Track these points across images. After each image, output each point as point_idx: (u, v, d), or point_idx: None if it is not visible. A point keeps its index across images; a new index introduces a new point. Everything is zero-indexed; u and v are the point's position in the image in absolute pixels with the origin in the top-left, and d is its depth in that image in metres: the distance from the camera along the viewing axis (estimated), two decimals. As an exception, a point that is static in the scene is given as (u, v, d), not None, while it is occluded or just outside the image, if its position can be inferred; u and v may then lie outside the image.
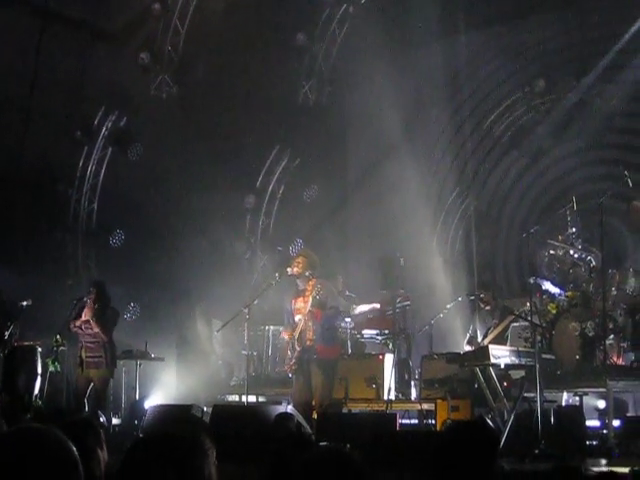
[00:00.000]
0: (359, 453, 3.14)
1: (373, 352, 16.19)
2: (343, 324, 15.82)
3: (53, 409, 14.16)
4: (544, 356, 11.95)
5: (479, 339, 14.35)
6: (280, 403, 13.27)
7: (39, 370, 14.49)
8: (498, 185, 20.13)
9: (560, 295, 13.85)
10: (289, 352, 12.80)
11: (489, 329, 14.31)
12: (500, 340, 13.70)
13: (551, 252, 14.21)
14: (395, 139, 19.46)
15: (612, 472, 4.55)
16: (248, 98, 19.38)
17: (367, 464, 3.11)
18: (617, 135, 18.64)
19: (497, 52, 19.46)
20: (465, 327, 15.24)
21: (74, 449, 2.96)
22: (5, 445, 2.90)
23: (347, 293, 16.70)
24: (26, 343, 14.93)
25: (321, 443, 7.85)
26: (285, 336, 12.87)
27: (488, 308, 14.58)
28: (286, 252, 19.90)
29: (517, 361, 11.74)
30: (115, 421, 14.95)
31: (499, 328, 14.06)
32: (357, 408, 13.99)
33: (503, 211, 20.05)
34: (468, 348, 14.29)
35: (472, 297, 15.44)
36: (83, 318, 13.61)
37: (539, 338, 13.15)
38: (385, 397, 14.04)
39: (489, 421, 11.33)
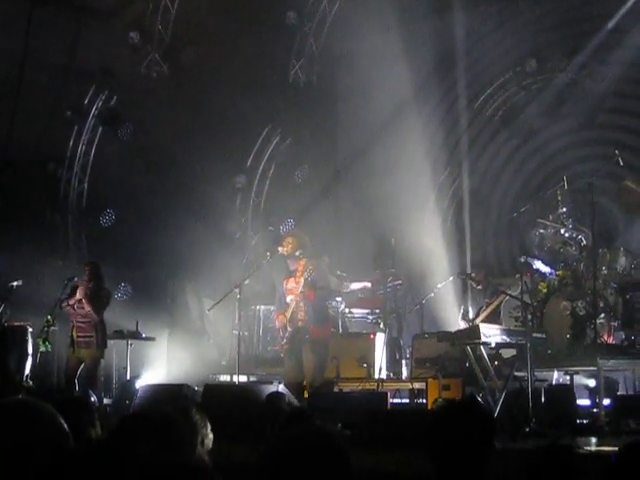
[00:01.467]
0: (350, 432, 3.14)
1: (364, 331, 16.21)
2: (334, 303, 15.83)
3: (44, 389, 14.17)
4: (535, 335, 11.96)
5: (471, 317, 14.40)
6: (271, 382, 13.26)
7: (30, 350, 14.46)
8: (489, 165, 20.12)
9: (551, 274, 13.88)
10: (281, 332, 12.82)
11: (481, 308, 14.34)
12: (492, 319, 13.73)
13: (542, 231, 14.22)
14: (386, 118, 19.47)
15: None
16: (238, 77, 19.31)
17: (352, 444, 3.10)
18: (608, 115, 18.64)
19: (488, 31, 19.42)
20: (457, 306, 15.26)
21: (64, 423, 2.97)
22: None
23: (338, 273, 16.70)
24: (17, 323, 14.90)
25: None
26: (279, 317, 12.88)
27: (480, 287, 14.60)
28: (277, 232, 19.89)
29: (508, 340, 11.74)
30: (106, 401, 14.94)
31: (491, 307, 14.09)
32: (348, 387, 13.99)
33: (494, 191, 20.05)
34: (463, 323, 14.34)
35: (463, 277, 15.46)
36: (77, 297, 13.58)
37: (530, 317, 13.21)
38: (376, 376, 14.09)
39: (480, 400, 11.36)
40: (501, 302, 14.18)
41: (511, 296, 13.73)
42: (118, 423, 3.18)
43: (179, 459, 3.00)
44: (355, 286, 16.84)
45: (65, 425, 3.00)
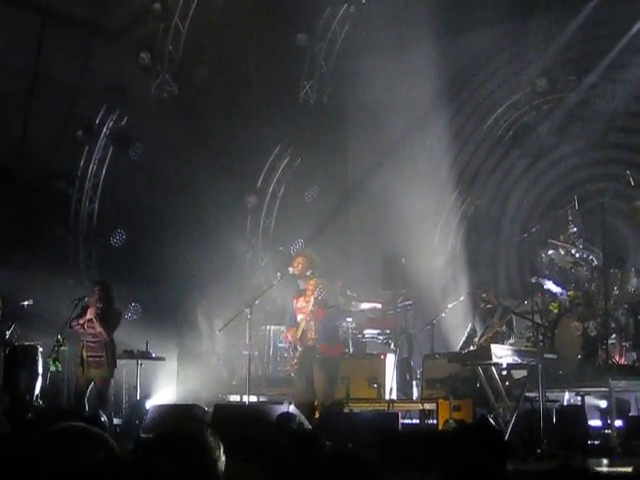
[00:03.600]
0: (370, 454, 3.14)
1: (375, 352, 16.18)
2: (344, 323, 15.81)
3: (54, 409, 14.15)
4: (546, 355, 11.92)
5: (477, 337, 14.33)
6: (281, 403, 13.23)
7: (40, 370, 14.47)
8: (499, 185, 20.09)
9: (562, 295, 13.83)
10: (290, 352, 12.80)
11: (487, 328, 14.28)
12: (497, 339, 13.67)
13: (552, 252, 14.18)
14: (396, 138, 19.48)
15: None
16: (249, 98, 19.37)
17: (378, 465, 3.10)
18: (619, 135, 18.60)
19: (499, 51, 19.43)
20: (467, 326, 15.20)
21: (115, 444, 3.13)
22: (55, 440, 3.10)
23: (348, 293, 16.68)
24: (27, 343, 14.91)
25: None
26: (289, 336, 12.86)
27: (490, 307, 14.54)
28: (287, 252, 19.85)
29: (519, 360, 11.71)
30: (116, 421, 14.92)
31: (496, 327, 14.04)
32: (359, 408, 13.97)
33: (504, 211, 20.00)
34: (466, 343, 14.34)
35: (473, 293, 15.35)
36: (87, 317, 13.58)
37: (541, 338, 13.17)
38: (387, 397, 14.07)
39: (491, 421, 11.32)
40: (508, 319, 14.13)
41: (522, 316, 13.69)
42: (143, 448, 3.25)
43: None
44: (365, 306, 16.82)
45: (116, 446, 3.18)
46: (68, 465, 2.98)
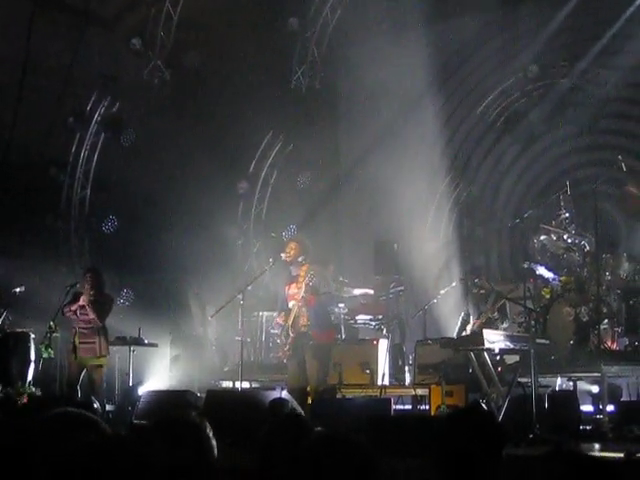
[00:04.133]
0: (361, 438, 3.14)
1: (367, 337, 16.20)
2: (337, 309, 15.82)
3: (47, 395, 14.15)
4: (538, 341, 11.94)
5: (471, 323, 14.35)
6: (274, 389, 13.25)
7: (32, 357, 14.47)
8: (491, 170, 20.10)
9: (554, 280, 13.86)
10: (283, 338, 12.80)
11: (481, 314, 14.29)
12: (490, 324, 13.68)
13: (544, 237, 14.20)
14: (388, 124, 19.46)
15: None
16: (241, 83, 19.33)
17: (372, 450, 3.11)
18: (611, 120, 18.62)
19: (490, 37, 19.41)
20: (459, 312, 15.21)
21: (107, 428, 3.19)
22: (52, 426, 3.16)
23: (340, 279, 16.69)
24: (19, 330, 14.90)
25: (316, 429, 7.82)
26: (279, 321, 12.85)
27: (482, 292, 14.54)
28: (279, 238, 19.81)
29: (511, 346, 11.72)
30: (109, 407, 14.91)
31: (488, 313, 14.05)
32: (351, 394, 14.00)
33: (496, 196, 20.03)
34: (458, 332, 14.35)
35: (464, 280, 15.36)
36: (80, 303, 13.57)
37: (533, 323, 13.19)
38: (379, 382, 14.10)
39: (484, 406, 11.34)
40: (500, 304, 14.15)
41: (514, 302, 13.71)
42: (146, 427, 3.29)
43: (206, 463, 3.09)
44: (357, 292, 16.84)
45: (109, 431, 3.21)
46: (64, 450, 2.98)
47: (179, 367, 16.27)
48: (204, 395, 12.01)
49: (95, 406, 12.46)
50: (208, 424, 3.25)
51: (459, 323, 14.79)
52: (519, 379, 11.80)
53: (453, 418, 4.73)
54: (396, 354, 15.69)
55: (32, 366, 14.41)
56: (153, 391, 13.68)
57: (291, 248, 12.84)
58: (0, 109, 17.49)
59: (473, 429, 4.33)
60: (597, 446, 10.33)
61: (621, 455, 8.62)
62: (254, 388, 15.60)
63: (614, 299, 13.13)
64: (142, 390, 14.47)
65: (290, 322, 12.52)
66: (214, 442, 3.21)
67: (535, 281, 14.05)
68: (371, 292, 16.86)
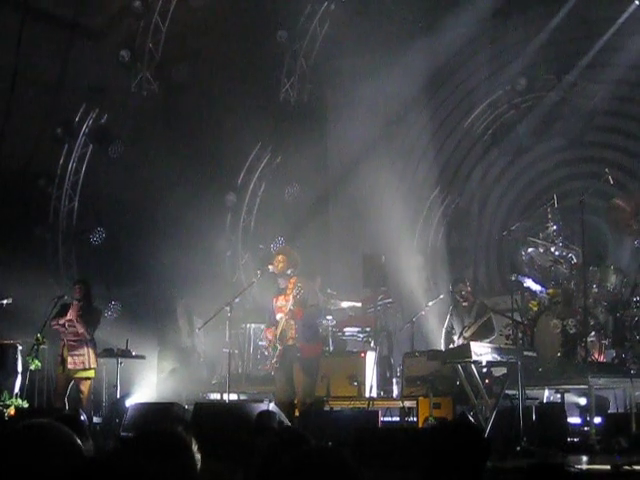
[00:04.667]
0: (346, 452, 3.14)
1: (355, 350, 16.20)
2: (325, 321, 15.82)
3: (34, 408, 14.11)
4: (526, 353, 11.98)
5: (456, 336, 14.33)
6: (262, 401, 13.24)
7: (20, 369, 14.42)
8: (479, 183, 20.16)
9: (541, 292, 13.88)
10: (270, 349, 12.78)
11: (464, 328, 14.29)
12: (477, 338, 13.68)
13: (532, 249, 14.22)
14: (376, 136, 19.50)
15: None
16: (229, 96, 19.33)
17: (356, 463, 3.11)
18: (598, 133, 18.70)
19: (478, 50, 19.48)
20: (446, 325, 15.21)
21: (80, 443, 3.13)
22: (18, 440, 3.06)
23: (328, 291, 16.69)
24: (6, 341, 14.85)
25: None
26: (268, 335, 12.83)
27: (465, 304, 14.54)
28: (267, 250, 19.82)
29: (499, 358, 11.74)
30: (96, 420, 14.89)
31: (475, 327, 14.06)
32: (339, 406, 14.00)
33: (484, 209, 20.08)
34: (444, 340, 14.36)
35: (454, 291, 15.29)
36: (67, 317, 13.56)
37: (520, 335, 13.22)
38: (367, 395, 14.10)
39: (471, 418, 11.35)
40: (487, 319, 14.16)
41: (501, 314, 13.73)
42: (119, 447, 3.22)
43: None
44: (345, 305, 16.85)
45: (81, 445, 3.13)
46: (29, 464, 2.96)
47: (167, 379, 16.24)
48: (192, 407, 11.98)
49: (82, 418, 12.43)
50: (193, 438, 3.24)
51: (443, 335, 14.77)
52: (507, 391, 11.83)
53: (439, 430, 4.74)
54: (384, 366, 15.70)
55: (19, 378, 14.35)
56: (141, 403, 13.67)
57: (279, 261, 12.81)
58: (-12, 120, 17.48)
59: (459, 441, 4.34)
60: (585, 458, 10.35)
61: (608, 467, 8.64)
62: (242, 400, 15.58)
63: (601, 311, 13.16)
64: (130, 402, 14.45)
65: (277, 335, 12.50)
66: (198, 456, 3.19)
67: (522, 293, 14.06)
68: (359, 305, 16.87)
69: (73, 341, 13.61)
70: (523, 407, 11.22)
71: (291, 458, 3.00)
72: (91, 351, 13.70)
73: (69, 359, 13.56)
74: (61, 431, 3.11)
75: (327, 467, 2.94)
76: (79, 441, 3.12)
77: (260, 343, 17.04)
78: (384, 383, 15.44)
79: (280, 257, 12.90)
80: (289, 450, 3.83)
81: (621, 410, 13.03)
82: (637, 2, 17.38)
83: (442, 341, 14.75)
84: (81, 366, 13.62)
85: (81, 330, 13.56)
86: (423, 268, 18.35)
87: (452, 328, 14.58)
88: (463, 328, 14.23)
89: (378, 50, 19.21)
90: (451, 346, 13.95)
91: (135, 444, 3.19)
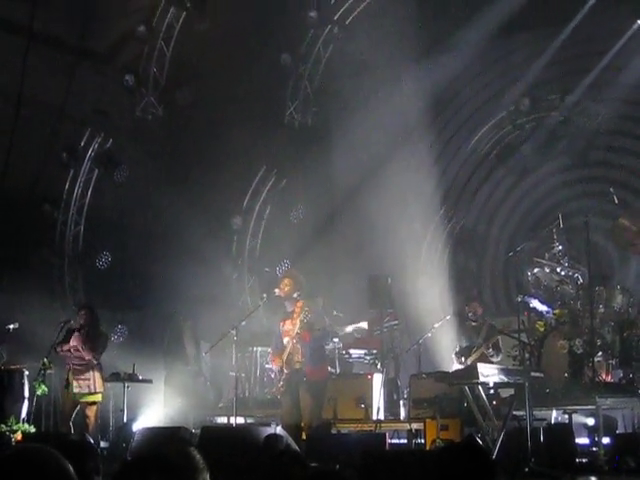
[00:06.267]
0: (351, 473, 3.14)
1: (361, 372, 16.16)
2: (331, 344, 15.80)
3: (40, 432, 14.09)
4: (533, 374, 11.94)
5: (463, 357, 14.30)
6: (269, 424, 13.21)
7: (26, 394, 14.40)
8: (484, 203, 20.16)
9: (548, 313, 13.87)
10: (277, 374, 12.76)
11: (473, 348, 14.26)
12: (485, 359, 13.66)
13: (538, 270, 14.22)
14: (381, 158, 19.51)
15: None
16: (234, 119, 19.37)
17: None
18: (602, 153, 18.71)
19: (481, 71, 19.52)
20: (453, 346, 15.18)
21: (71, 469, 3.00)
22: (7, 465, 2.97)
23: (335, 313, 16.69)
24: (13, 366, 14.85)
25: (311, 464, 7.81)
26: (276, 362, 12.79)
27: (474, 324, 14.52)
28: (273, 273, 19.86)
29: (506, 379, 11.71)
30: (103, 444, 14.85)
31: (483, 348, 14.04)
32: (346, 428, 13.95)
33: (490, 229, 20.07)
34: (456, 365, 14.27)
35: (467, 309, 15.20)
36: (71, 344, 13.55)
37: (527, 356, 13.19)
38: (374, 417, 14.05)
39: (479, 440, 11.31)
40: (495, 340, 14.14)
41: (508, 335, 13.71)
42: (125, 465, 3.19)
43: None
44: (350, 329, 16.84)
45: (72, 472, 3.04)
46: None
47: (174, 403, 16.21)
48: (199, 431, 11.96)
49: (89, 441, 12.41)
50: (202, 460, 3.24)
51: (454, 357, 14.72)
52: (514, 412, 11.79)
53: (446, 452, 4.72)
54: (391, 388, 15.65)
55: (26, 403, 14.33)
56: (148, 428, 13.64)
57: (285, 284, 12.81)
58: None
59: (466, 463, 4.33)
60: (593, 479, 10.31)
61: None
62: (249, 424, 15.54)
63: (608, 331, 13.15)
64: (136, 426, 14.43)
65: (284, 358, 12.49)
66: (207, 477, 3.19)
67: (529, 314, 14.06)
68: (365, 326, 16.84)
69: (78, 365, 13.60)
70: (531, 428, 11.18)
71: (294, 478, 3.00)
72: (97, 375, 13.69)
73: (74, 383, 13.55)
74: (51, 455, 3.05)
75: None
76: (68, 465, 3.06)
77: (267, 366, 17.03)
78: (391, 405, 15.39)
79: (287, 280, 12.90)
80: (291, 473, 3.83)
81: (629, 430, 12.99)
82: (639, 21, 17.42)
83: (453, 362, 14.69)
84: (87, 390, 13.60)
85: (88, 357, 13.57)
86: (429, 289, 18.31)
87: (462, 349, 14.55)
88: (472, 349, 14.22)
89: (382, 72, 19.25)
90: (460, 366, 13.91)
91: (146, 464, 3.19)
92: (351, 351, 16.69)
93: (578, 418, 12.81)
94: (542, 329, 13.79)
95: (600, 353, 13.01)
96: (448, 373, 13.47)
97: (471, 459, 4.40)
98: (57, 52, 18.19)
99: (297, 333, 12.36)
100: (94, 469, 5.00)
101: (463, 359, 14.22)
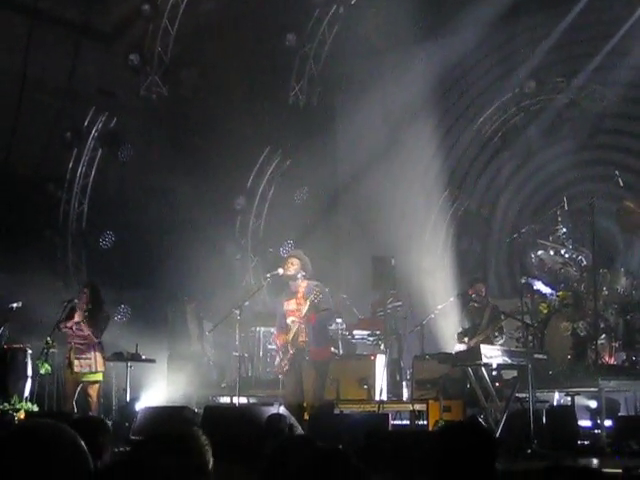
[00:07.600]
0: (353, 454, 3.13)
1: (364, 353, 16.18)
2: (335, 325, 15.82)
3: (44, 411, 14.11)
4: (536, 356, 11.95)
5: (467, 338, 14.30)
6: (272, 404, 13.22)
7: (29, 372, 14.41)
8: (489, 186, 20.14)
9: (551, 295, 13.86)
10: (281, 353, 12.77)
11: (476, 330, 14.25)
12: (487, 341, 13.66)
13: (542, 252, 14.21)
14: (386, 139, 19.48)
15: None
16: (238, 99, 19.34)
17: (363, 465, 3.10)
18: (608, 136, 18.65)
19: (487, 53, 19.46)
20: (457, 328, 15.18)
21: (83, 444, 3.06)
22: (19, 439, 2.99)
23: (344, 296, 16.75)
24: (16, 345, 14.86)
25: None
26: (278, 341, 12.82)
27: (478, 305, 14.50)
28: (277, 253, 19.87)
29: (509, 361, 11.73)
30: (106, 423, 14.85)
31: (487, 330, 14.03)
32: (349, 409, 13.96)
33: (494, 212, 20.05)
34: (459, 346, 14.27)
35: (471, 290, 15.16)
36: (75, 319, 13.55)
37: (531, 338, 13.19)
38: (377, 398, 14.06)
39: (481, 421, 11.32)
40: (499, 323, 14.14)
41: (512, 317, 13.70)
42: (134, 450, 3.20)
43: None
44: (359, 333, 16.92)
45: (84, 447, 3.06)
46: (27, 464, 2.92)
47: (177, 383, 16.22)
48: (202, 411, 11.98)
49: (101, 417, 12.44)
50: (206, 440, 3.24)
51: (457, 338, 14.72)
52: (517, 394, 11.80)
53: (448, 432, 4.72)
54: (394, 369, 15.66)
55: (29, 382, 14.35)
56: (151, 407, 13.65)
57: (292, 264, 12.83)
58: (-2, 124, 17.52)
59: (467, 443, 4.33)
60: (595, 461, 10.31)
61: (619, 470, 8.60)
62: (252, 404, 15.57)
63: (611, 314, 13.15)
64: (139, 406, 14.44)
65: (290, 339, 12.50)
66: (209, 458, 3.19)
67: (533, 296, 14.05)
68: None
69: (80, 344, 13.58)
70: (533, 410, 11.19)
71: (297, 461, 2.99)
72: (98, 355, 13.68)
73: (76, 362, 13.53)
74: (62, 430, 3.06)
75: (332, 469, 2.94)
76: (83, 443, 3.06)
77: (270, 346, 17.04)
78: (394, 386, 15.41)
79: (293, 260, 12.92)
80: (295, 453, 3.82)
81: (632, 413, 13.01)
82: (646, 4, 17.36)
83: (455, 345, 14.69)
84: (87, 369, 13.59)
85: (87, 332, 13.52)
86: (432, 271, 18.30)
87: (465, 330, 14.55)
88: (475, 330, 14.21)
89: (387, 53, 19.22)
90: (463, 347, 13.91)
91: (151, 443, 3.19)
92: (354, 332, 16.71)
93: (581, 400, 12.82)
94: (545, 311, 13.79)
95: (603, 335, 13.01)
96: (451, 354, 13.46)
97: (473, 435, 4.40)
98: (61, 32, 18.14)
99: (305, 315, 12.38)
100: (105, 444, 5.03)
101: (466, 340, 14.21)
